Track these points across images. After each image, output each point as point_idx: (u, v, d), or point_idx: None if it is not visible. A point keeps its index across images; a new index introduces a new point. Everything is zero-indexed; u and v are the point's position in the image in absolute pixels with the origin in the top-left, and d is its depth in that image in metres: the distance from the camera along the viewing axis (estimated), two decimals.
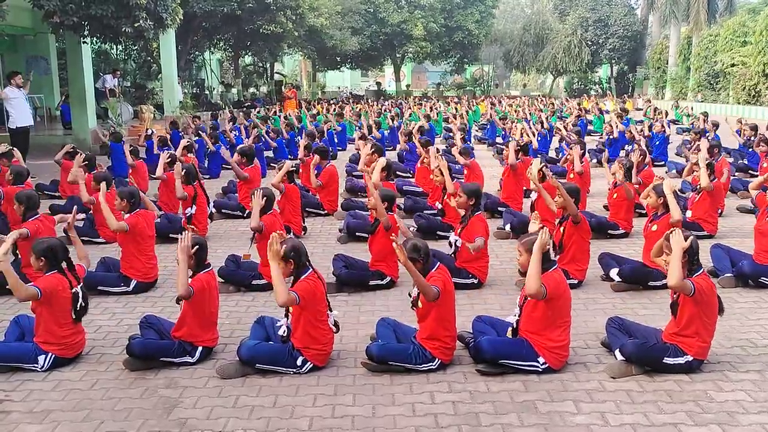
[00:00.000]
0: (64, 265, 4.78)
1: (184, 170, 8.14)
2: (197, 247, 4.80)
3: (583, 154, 10.09)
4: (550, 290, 4.33)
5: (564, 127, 15.04)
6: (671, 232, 4.48)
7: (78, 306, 4.72)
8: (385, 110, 24.93)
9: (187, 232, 4.85)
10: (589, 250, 6.40)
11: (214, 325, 4.91)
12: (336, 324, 4.69)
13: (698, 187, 8.03)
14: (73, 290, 4.72)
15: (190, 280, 4.73)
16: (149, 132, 14.38)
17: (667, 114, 19.92)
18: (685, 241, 4.38)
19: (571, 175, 9.46)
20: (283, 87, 41.13)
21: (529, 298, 4.48)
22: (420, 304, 4.60)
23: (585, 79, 47.32)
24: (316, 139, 13.26)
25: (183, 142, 11.24)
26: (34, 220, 6.28)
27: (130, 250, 6.32)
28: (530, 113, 21.70)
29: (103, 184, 6.90)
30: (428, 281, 4.53)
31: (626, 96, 38.40)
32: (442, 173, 7.98)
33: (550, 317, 4.43)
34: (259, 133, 14.60)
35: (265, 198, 6.47)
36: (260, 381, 4.44)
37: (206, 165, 13.10)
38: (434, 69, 56.29)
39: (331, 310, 4.67)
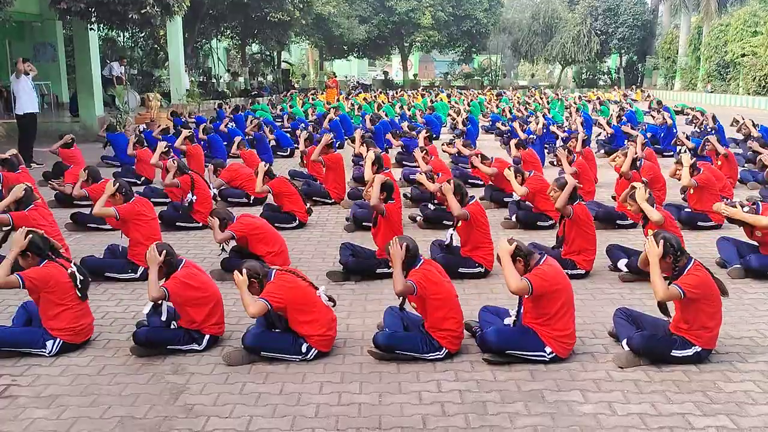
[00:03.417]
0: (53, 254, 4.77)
1: (176, 165, 8.25)
2: (165, 253, 4.72)
3: (586, 144, 10.05)
4: (536, 285, 4.30)
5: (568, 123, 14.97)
6: (648, 239, 4.49)
7: (79, 283, 4.70)
8: (392, 99, 24.91)
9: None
10: (595, 239, 6.36)
11: (218, 310, 4.86)
12: (331, 299, 4.66)
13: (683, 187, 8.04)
14: (69, 271, 4.71)
15: (162, 282, 4.69)
16: (159, 126, 14.40)
17: (668, 110, 19.81)
18: (659, 245, 4.38)
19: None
20: (290, 76, 41.09)
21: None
22: (412, 303, 4.62)
23: (594, 69, 47.04)
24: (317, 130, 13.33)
25: (185, 132, 11.26)
26: (29, 210, 6.30)
27: (135, 237, 6.32)
28: (535, 103, 21.64)
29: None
30: (408, 277, 4.52)
31: (634, 87, 38.17)
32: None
33: (551, 310, 4.40)
34: (261, 122, 14.63)
35: None
36: (267, 368, 4.44)
37: (210, 153, 13.08)
38: (442, 58, 56.08)
39: (317, 288, 4.63)
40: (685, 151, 11.65)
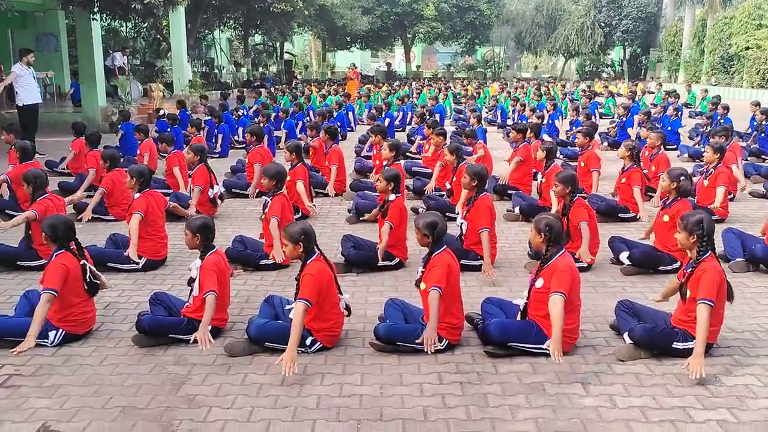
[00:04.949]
0: (73, 245, 4.80)
1: (197, 150, 8.14)
2: (207, 228, 4.79)
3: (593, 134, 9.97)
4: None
5: (575, 109, 14.93)
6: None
7: (87, 278, 4.72)
8: (394, 92, 24.86)
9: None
10: (598, 233, 6.35)
11: (224, 306, 4.91)
12: (348, 308, 4.69)
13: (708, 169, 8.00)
14: (81, 263, 4.72)
15: (200, 262, 4.74)
16: (162, 113, 14.37)
17: (679, 97, 19.64)
18: (699, 223, 4.37)
19: (581, 164, 9.34)
20: (292, 67, 40.96)
21: (536, 285, 4.46)
22: (423, 285, 4.60)
23: (597, 62, 46.83)
24: (325, 120, 13.24)
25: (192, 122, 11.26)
26: (43, 200, 6.27)
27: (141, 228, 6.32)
28: (541, 95, 21.56)
29: None
30: (431, 263, 4.56)
31: (637, 80, 37.99)
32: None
33: (570, 302, 4.39)
34: (269, 113, 14.59)
35: (277, 173, 6.48)
36: (268, 359, 4.45)
37: (214, 144, 13.09)
38: (445, 50, 55.87)
39: (341, 294, 4.66)
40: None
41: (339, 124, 14.16)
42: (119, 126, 12.52)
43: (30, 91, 12.88)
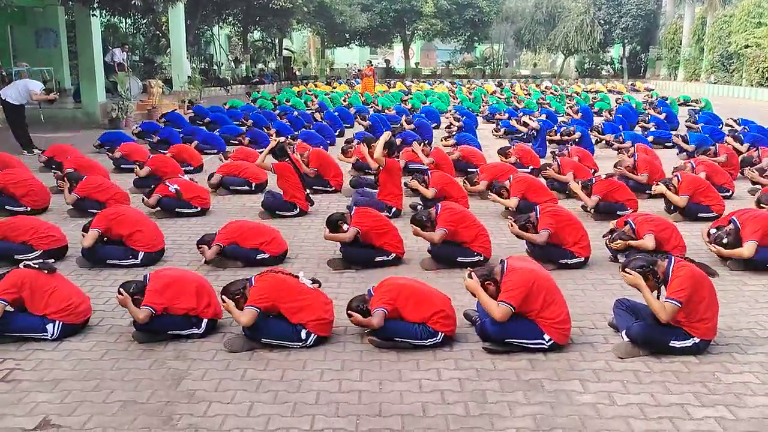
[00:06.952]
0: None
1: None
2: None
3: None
4: (516, 302, 4.36)
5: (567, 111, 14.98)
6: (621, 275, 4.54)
7: (35, 266, 4.74)
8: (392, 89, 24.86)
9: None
10: (583, 227, 6.31)
11: (203, 293, 4.82)
12: (315, 281, 4.74)
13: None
14: (22, 264, 4.77)
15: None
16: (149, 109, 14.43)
17: (667, 99, 19.68)
18: (633, 274, 4.42)
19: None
20: (291, 63, 40.93)
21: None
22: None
23: (596, 59, 46.76)
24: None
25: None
26: None
27: (124, 234, 6.35)
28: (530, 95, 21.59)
29: None
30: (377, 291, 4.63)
31: (634, 78, 38.01)
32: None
33: (536, 306, 4.44)
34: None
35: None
36: (267, 355, 4.47)
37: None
38: (444, 47, 55.79)
39: (296, 276, 4.66)
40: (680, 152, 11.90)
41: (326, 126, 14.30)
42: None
43: (13, 92, 12.52)
